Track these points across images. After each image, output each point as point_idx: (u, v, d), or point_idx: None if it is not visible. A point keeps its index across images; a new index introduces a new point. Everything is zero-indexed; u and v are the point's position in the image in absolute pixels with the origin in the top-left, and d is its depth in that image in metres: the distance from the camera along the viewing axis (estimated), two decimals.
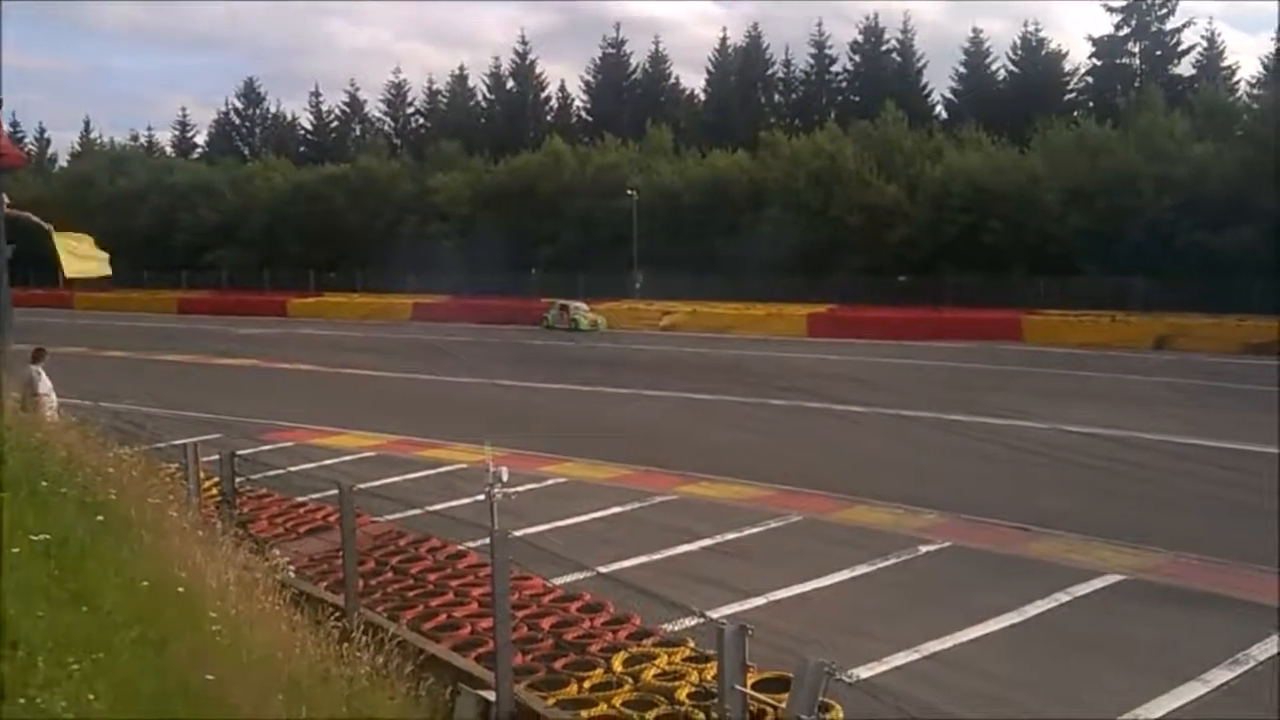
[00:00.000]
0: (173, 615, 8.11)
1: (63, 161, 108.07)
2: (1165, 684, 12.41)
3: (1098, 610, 15.31)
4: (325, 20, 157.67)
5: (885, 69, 77.88)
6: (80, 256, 19.83)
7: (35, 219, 19.59)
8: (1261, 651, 13.38)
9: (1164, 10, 69.03)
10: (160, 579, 8.74)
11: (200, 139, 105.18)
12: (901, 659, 13.15)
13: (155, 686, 6.66)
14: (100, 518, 9.60)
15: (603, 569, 13.76)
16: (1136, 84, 67.80)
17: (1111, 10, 69.37)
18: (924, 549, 18.17)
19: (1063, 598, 15.52)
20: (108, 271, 21.00)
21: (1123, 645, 13.82)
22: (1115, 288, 48.65)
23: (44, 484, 9.73)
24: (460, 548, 15.93)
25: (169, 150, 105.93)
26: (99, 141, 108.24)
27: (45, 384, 19.90)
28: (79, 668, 6.39)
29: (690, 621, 12.62)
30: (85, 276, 20.26)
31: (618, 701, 10.50)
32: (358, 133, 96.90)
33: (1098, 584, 16.15)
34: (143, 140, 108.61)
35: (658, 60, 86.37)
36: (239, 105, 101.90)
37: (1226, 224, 47.41)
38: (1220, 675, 12.74)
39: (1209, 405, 31.45)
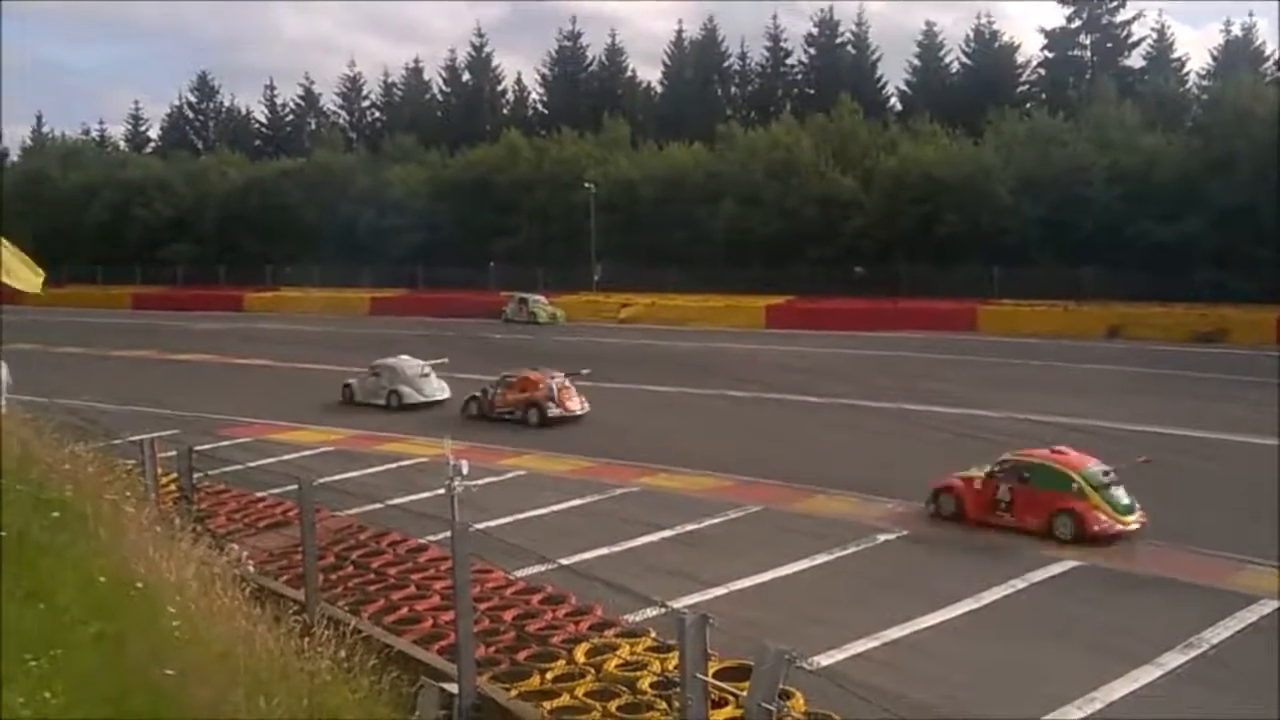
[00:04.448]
0: (131, 611, 8.05)
1: (14, 156, 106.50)
2: (1121, 668, 12.60)
3: (1054, 596, 15.52)
4: (273, 12, 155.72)
5: (840, 62, 77.78)
6: (19, 266, 19.58)
7: None
8: (1214, 635, 13.62)
9: (1114, 3, 69.63)
10: (118, 575, 8.67)
11: (153, 133, 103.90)
12: (861, 646, 13.28)
13: (114, 683, 6.61)
14: (56, 514, 9.50)
15: (564, 561, 13.80)
16: (1088, 76, 68.25)
17: (1063, 3, 69.97)
18: (881, 537, 18.33)
19: (1020, 584, 15.73)
20: (37, 289, 20.62)
21: (1079, 630, 14.01)
22: (1068, 278, 49.08)
23: None
24: (421, 541, 15.91)
25: (122, 145, 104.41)
26: (51, 136, 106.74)
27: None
28: (36, 665, 6.34)
29: (652, 612, 12.69)
30: (25, 289, 19.88)
31: (580, 692, 10.53)
32: (313, 126, 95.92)
33: (1054, 570, 16.38)
34: (95, 135, 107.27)
35: (614, 53, 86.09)
36: (192, 99, 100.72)
37: (1175, 214, 48.00)
38: (1175, 659, 12.96)
39: (1161, 392, 31.83)
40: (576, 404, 29.39)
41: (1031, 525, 18.53)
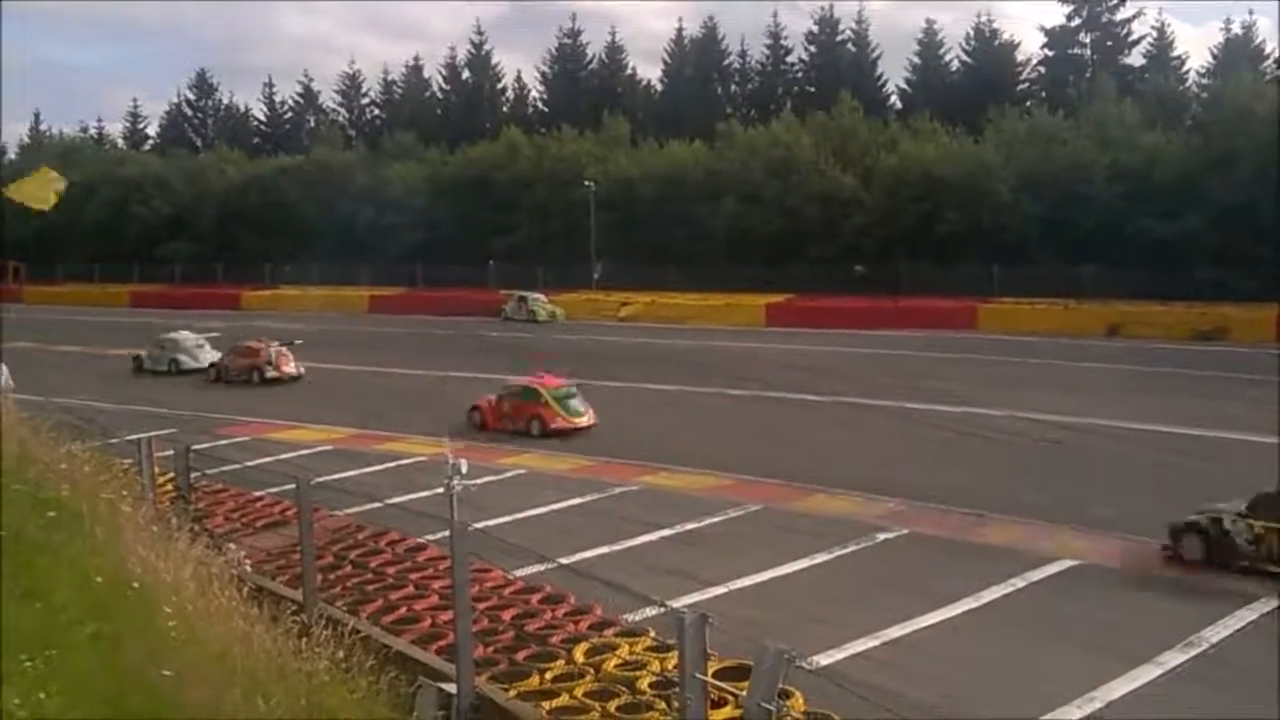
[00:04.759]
0: (128, 611, 8.02)
1: (12, 154, 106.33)
2: (1121, 667, 12.57)
3: (1053, 595, 15.49)
4: (273, 11, 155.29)
5: (840, 60, 77.70)
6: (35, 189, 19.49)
7: None
8: (1214, 634, 13.59)
9: (1114, 1, 69.58)
10: (114, 575, 8.63)
11: (152, 131, 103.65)
12: (861, 645, 13.25)
13: (110, 683, 6.58)
14: (52, 514, 9.46)
15: (564, 560, 13.76)
16: (1088, 74, 68.20)
17: (1063, 1, 69.93)
18: (881, 536, 18.30)
19: (1019, 583, 15.69)
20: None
21: (1078, 629, 13.98)
22: (1068, 276, 49.05)
23: None
24: (420, 541, 15.88)
25: (120, 142, 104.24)
26: (49, 134, 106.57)
27: None
28: (32, 665, 6.30)
29: (651, 611, 12.66)
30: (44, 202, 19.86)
31: (579, 692, 10.51)
32: (312, 124, 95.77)
33: (1053, 569, 16.35)
34: (93, 132, 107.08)
35: (614, 51, 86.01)
36: (191, 96, 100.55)
37: (1175, 212, 47.95)
38: (1174, 658, 12.93)
39: (1160, 391, 31.78)
40: (291, 368, 36.82)
41: (520, 427, 27.41)
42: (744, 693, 6.88)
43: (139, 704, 6.49)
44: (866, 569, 16.76)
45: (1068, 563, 16.61)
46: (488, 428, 27.91)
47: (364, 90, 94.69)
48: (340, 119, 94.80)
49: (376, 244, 67.99)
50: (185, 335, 40.54)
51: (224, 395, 34.42)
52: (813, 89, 77.43)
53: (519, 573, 13.99)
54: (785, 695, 8.93)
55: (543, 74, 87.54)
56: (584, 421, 27.62)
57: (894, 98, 76.43)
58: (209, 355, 39.07)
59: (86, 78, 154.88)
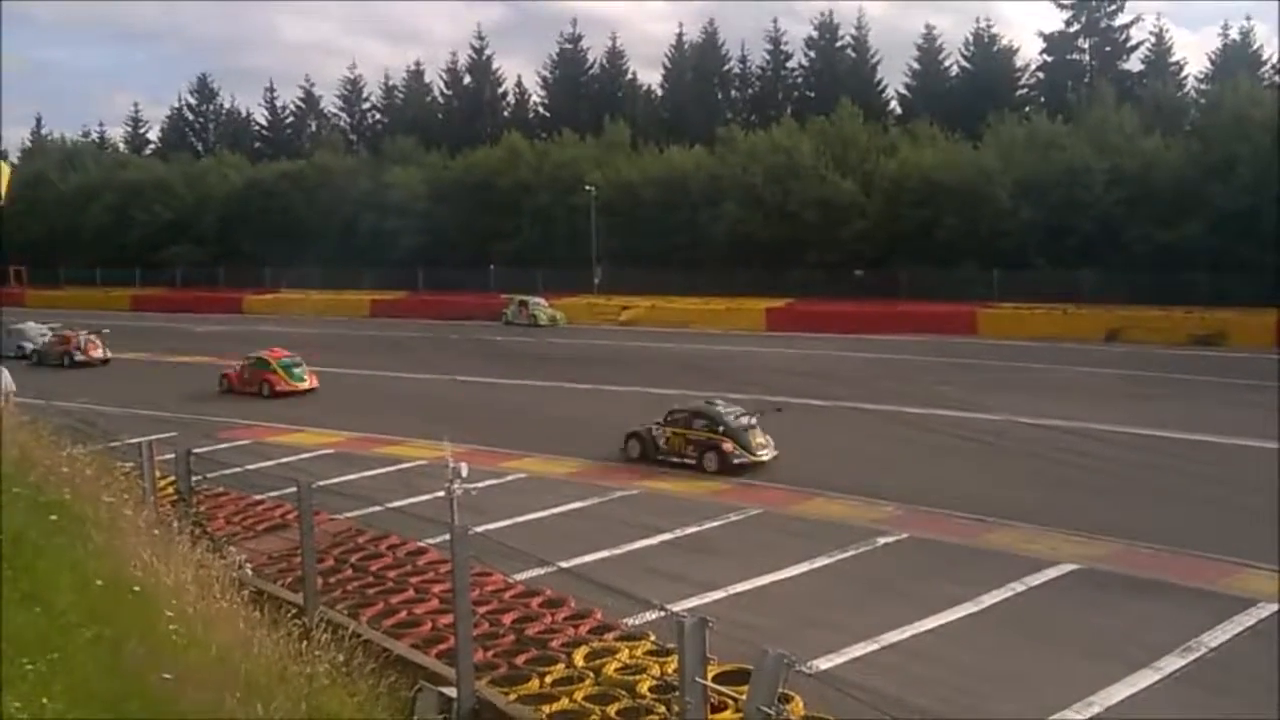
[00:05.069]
0: (128, 615, 8.03)
1: (14, 158, 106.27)
2: (1119, 672, 12.59)
3: (1052, 599, 15.49)
4: (273, 14, 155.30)
5: (840, 65, 77.92)
6: None
7: None
8: (1212, 639, 13.60)
9: (1113, 7, 69.74)
10: (115, 578, 8.66)
11: (153, 135, 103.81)
12: (860, 650, 13.26)
13: (111, 687, 6.60)
14: (54, 517, 9.49)
15: (564, 564, 13.77)
16: (1087, 79, 68.38)
17: (1062, 7, 70.10)
18: (882, 541, 18.31)
19: (1018, 588, 15.70)
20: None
21: (1077, 634, 13.99)
22: (1067, 281, 49.12)
23: None
24: (420, 544, 15.89)
25: (121, 147, 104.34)
26: (50, 138, 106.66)
27: None
28: (33, 668, 6.32)
29: (651, 615, 12.66)
30: None
31: (579, 696, 10.52)
32: (313, 128, 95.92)
33: (1052, 573, 16.35)
34: (94, 137, 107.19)
35: (615, 56, 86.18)
36: (192, 101, 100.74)
37: (1174, 218, 48.00)
38: (1173, 663, 12.94)
39: (1158, 396, 31.82)
40: (99, 353, 42.32)
41: (254, 390, 33.62)
42: (744, 697, 6.90)
43: (139, 707, 6.51)
44: (866, 573, 16.76)
45: (1067, 567, 16.63)
46: (233, 391, 34.34)
47: (365, 95, 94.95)
48: (341, 123, 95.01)
49: (378, 248, 68.08)
50: (31, 326, 46.62)
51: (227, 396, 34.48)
52: (812, 94, 77.54)
53: (519, 576, 14.00)
54: (785, 699, 8.96)
55: (543, 79, 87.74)
56: (304, 385, 34.20)
57: (894, 103, 76.60)
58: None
59: (88, 82, 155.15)
